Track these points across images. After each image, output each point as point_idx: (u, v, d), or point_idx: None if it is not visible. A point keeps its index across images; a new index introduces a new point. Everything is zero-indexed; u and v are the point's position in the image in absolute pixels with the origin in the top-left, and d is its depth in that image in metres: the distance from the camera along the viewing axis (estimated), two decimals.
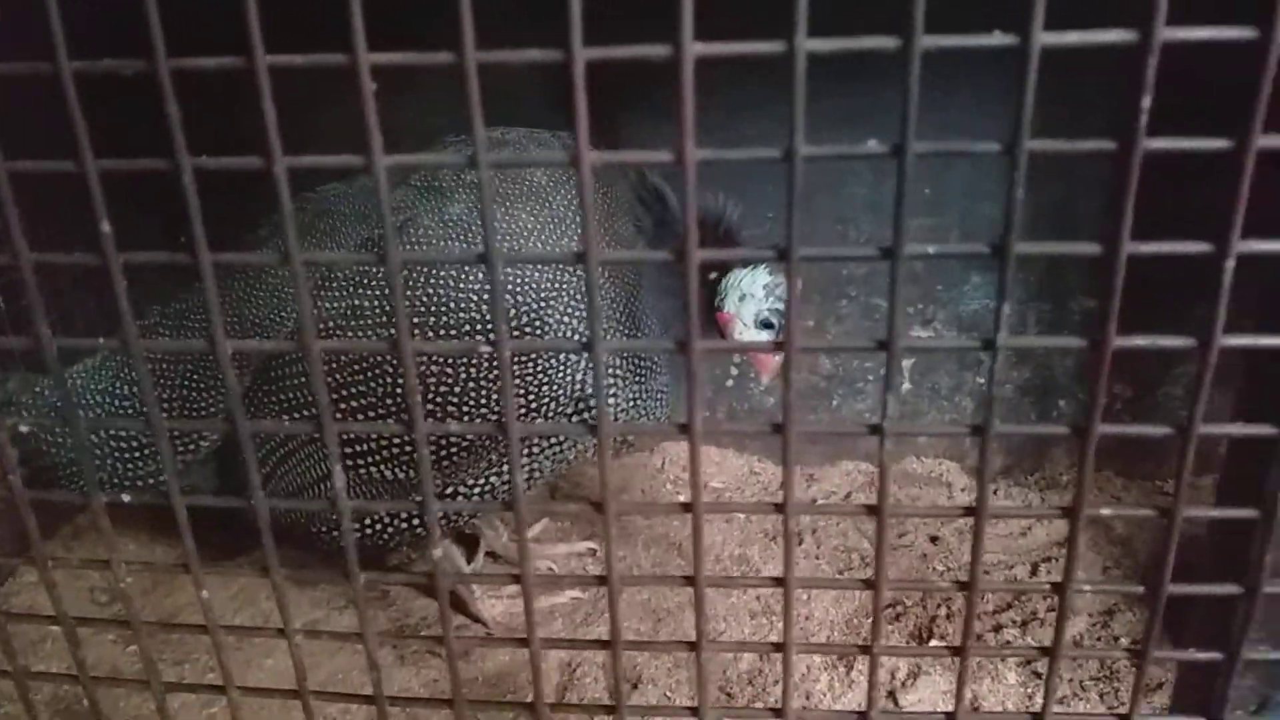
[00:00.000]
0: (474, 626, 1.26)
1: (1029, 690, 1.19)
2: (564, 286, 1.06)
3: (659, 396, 1.19)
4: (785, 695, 0.52)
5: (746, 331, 1.16)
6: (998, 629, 1.27)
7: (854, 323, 1.52)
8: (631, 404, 1.16)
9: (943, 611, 1.29)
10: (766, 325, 1.16)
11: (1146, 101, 0.38)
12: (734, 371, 1.57)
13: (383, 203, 0.41)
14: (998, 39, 0.38)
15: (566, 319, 1.05)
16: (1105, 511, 0.49)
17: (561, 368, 1.05)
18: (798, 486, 1.58)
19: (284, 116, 0.39)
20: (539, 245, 1.04)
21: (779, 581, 0.50)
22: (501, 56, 0.38)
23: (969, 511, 0.47)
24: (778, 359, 1.22)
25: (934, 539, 1.44)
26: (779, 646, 0.51)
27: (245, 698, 0.57)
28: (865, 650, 0.51)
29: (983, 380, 1.53)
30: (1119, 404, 1.51)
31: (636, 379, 1.15)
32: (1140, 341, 0.45)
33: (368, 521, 1.14)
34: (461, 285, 1.03)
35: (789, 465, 0.47)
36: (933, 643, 1.25)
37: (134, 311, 0.48)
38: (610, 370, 1.11)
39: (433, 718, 1.13)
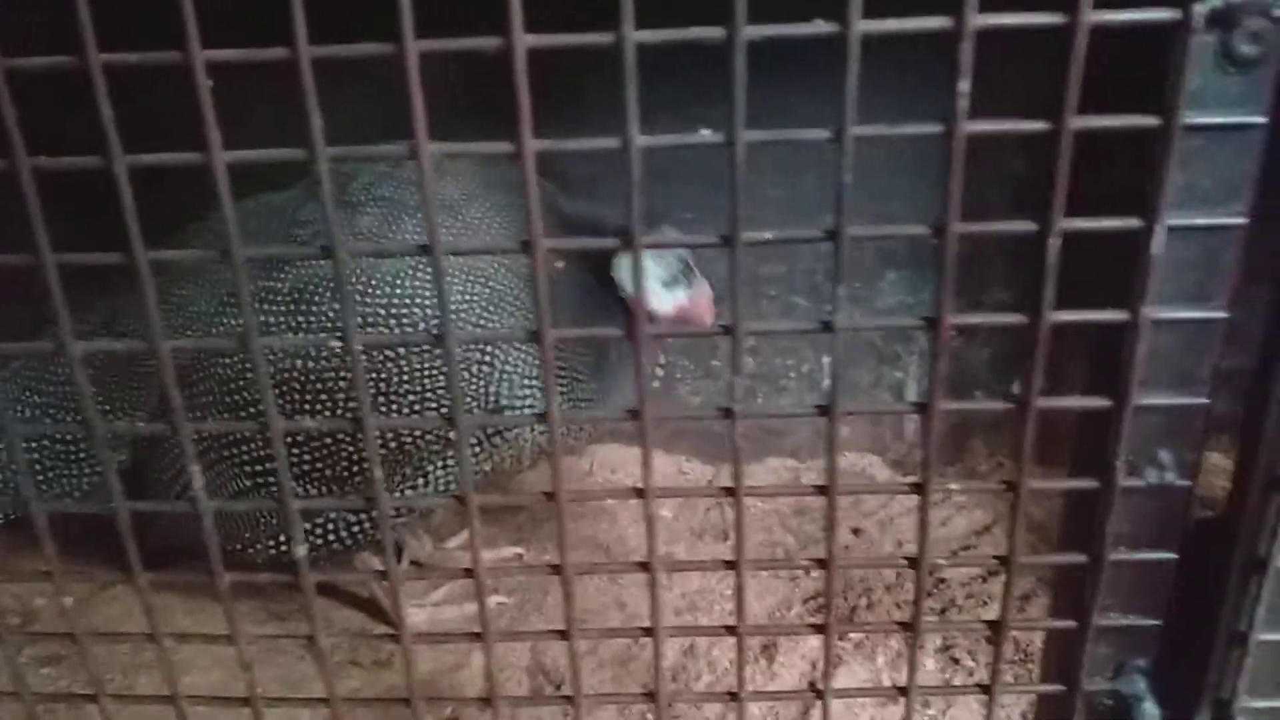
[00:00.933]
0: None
1: (947, 675, 1.21)
2: (475, 298, 1.06)
3: (582, 405, 1.19)
4: (657, 679, 0.53)
5: (663, 294, 1.16)
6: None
7: (774, 321, 1.54)
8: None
9: (863, 602, 1.32)
10: (675, 282, 1.16)
11: (964, 86, 0.39)
12: (660, 373, 1.58)
13: (223, 201, 0.41)
14: (819, 27, 0.39)
15: (477, 330, 1.06)
16: (953, 486, 0.50)
17: (474, 379, 1.05)
18: (724, 484, 1.59)
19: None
20: (450, 258, 1.04)
21: (644, 566, 0.51)
22: (331, 51, 0.39)
23: (820, 490, 0.49)
24: (705, 305, 1.20)
25: (856, 530, 1.46)
26: (648, 631, 0.52)
27: (127, 705, 0.57)
28: (732, 631, 0.52)
29: (900, 374, 1.56)
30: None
31: (566, 386, 1.15)
32: (974, 319, 0.46)
33: (281, 539, 1.14)
34: (369, 296, 1.02)
35: (646, 449, 0.48)
36: (852, 634, 1.27)
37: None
38: (526, 379, 1.11)
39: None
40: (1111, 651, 0.54)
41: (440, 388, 1.05)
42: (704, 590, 1.33)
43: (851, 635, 1.27)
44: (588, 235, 1.09)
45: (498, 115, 0.41)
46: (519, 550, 1.40)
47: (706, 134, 0.40)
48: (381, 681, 1.18)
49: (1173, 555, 0.50)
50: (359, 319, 1.03)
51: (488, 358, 1.07)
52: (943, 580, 1.36)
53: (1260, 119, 0.40)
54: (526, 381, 1.10)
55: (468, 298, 1.05)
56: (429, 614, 1.26)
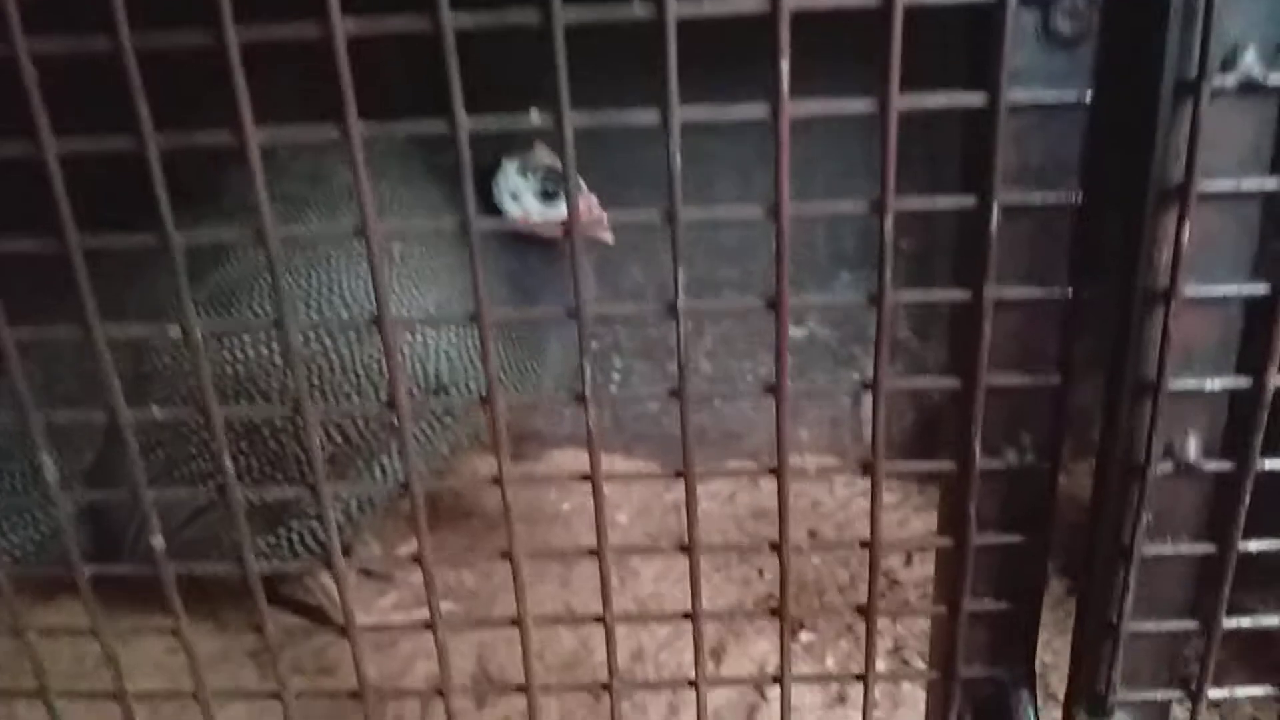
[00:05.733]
0: (341, 641, 1.24)
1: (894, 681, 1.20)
2: (400, 277, 1.04)
3: (526, 366, 1.17)
4: None
5: (548, 212, 1.15)
6: None
7: (727, 327, 1.54)
8: (515, 380, 1.15)
9: (816, 604, 1.31)
10: (550, 195, 1.15)
11: (784, 65, 0.39)
12: (616, 377, 1.58)
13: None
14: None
15: (409, 293, 1.04)
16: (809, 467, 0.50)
17: (409, 359, 1.04)
18: (683, 489, 1.59)
19: None
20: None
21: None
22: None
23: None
24: (590, 214, 1.15)
25: (812, 533, 1.46)
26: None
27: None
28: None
29: (858, 375, 1.56)
30: None
31: (503, 344, 1.12)
32: (816, 300, 0.46)
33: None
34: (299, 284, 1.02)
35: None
36: (802, 635, 1.26)
37: None
38: (466, 352, 1.09)
39: None
40: (988, 638, 0.54)
41: (373, 371, 1.04)
42: (655, 595, 1.33)
43: (802, 637, 1.27)
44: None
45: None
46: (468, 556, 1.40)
47: (534, 115, 0.40)
48: (325, 687, 1.17)
49: (1039, 539, 0.50)
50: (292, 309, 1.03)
51: (420, 337, 1.05)
52: (897, 582, 1.36)
53: (1084, 97, 0.40)
54: (467, 354, 1.09)
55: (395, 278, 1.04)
56: (375, 620, 1.25)
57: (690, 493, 0.48)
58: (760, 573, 1.39)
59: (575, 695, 1.16)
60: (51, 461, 0.45)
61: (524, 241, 1.16)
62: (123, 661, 1.20)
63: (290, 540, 1.14)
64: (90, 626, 0.50)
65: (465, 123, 0.40)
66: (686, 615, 0.51)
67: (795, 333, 1.52)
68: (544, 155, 1.15)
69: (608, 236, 1.18)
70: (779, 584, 0.52)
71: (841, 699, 1.17)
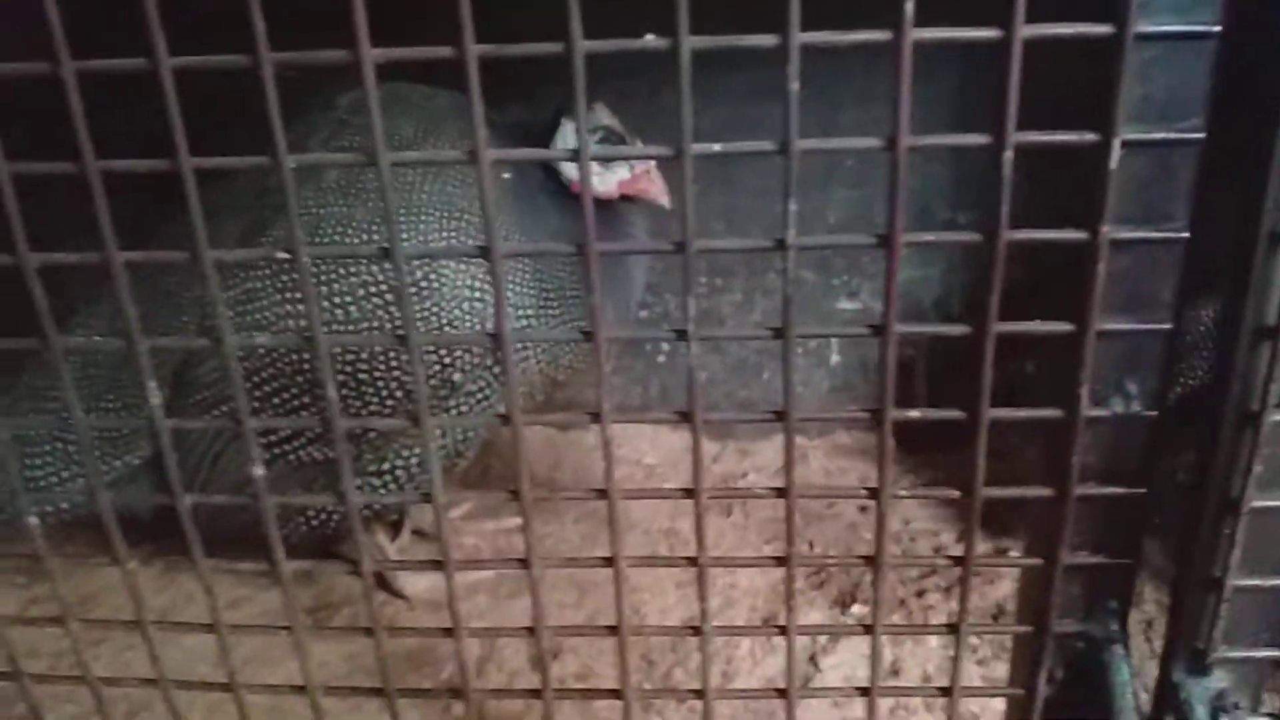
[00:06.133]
0: (396, 602, 1.26)
1: (951, 653, 1.19)
2: (459, 232, 1.04)
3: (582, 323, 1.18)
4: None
5: (605, 174, 1.15)
6: (920, 594, 1.28)
7: (778, 300, 1.52)
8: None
9: (866, 578, 1.30)
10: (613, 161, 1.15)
11: None
12: (665, 348, 1.58)
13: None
14: None
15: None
16: (913, 414, 0.49)
17: (468, 315, 1.04)
18: (730, 460, 1.59)
19: None
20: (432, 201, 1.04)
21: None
22: None
23: (778, 415, 0.48)
24: (648, 178, 1.17)
25: (863, 508, 1.45)
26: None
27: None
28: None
29: (913, 352, 1.54)
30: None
31: (558, 305, 1.14)
32: (927, 237, 0.45)
33: (310, 513, 1.14)
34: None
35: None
36: (854, 608, 1.26)
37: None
38: (521, 309, 1.10)
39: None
40: (1082, 592, 0.53)
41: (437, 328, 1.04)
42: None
43: (854, 610, 1.27)
44: (523, 140, 1.09)
45: None
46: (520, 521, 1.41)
47: (651, 38, 0.40)
48: (387, 645, 1.18)
49: (1142, 490, 0.49)
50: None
51: (478, 293, 1.06)
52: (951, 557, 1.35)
53: (1214, 27, 0.39)
54: (522, 311, 1.10)
55: (449, 233, 1.05)
56: (429, 581, 1.26)
57: (789, 433, 0.48)
58: (810, 545, 1.38)
59: (629, 659, 1.16)
60: (156, 386, 0.45)
61: (576, 202, 1.15)
62: (181, 616, 1.22)
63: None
64: (189, 557, 0.51)
65: (581, 44, 0.39)
66: (779, 560, 0.51)
67: (849, 305, 1.51)
68: (603, 116, 1.15)
69: (665, 200, 1.19)
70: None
71: (895, 671, 1.17)
